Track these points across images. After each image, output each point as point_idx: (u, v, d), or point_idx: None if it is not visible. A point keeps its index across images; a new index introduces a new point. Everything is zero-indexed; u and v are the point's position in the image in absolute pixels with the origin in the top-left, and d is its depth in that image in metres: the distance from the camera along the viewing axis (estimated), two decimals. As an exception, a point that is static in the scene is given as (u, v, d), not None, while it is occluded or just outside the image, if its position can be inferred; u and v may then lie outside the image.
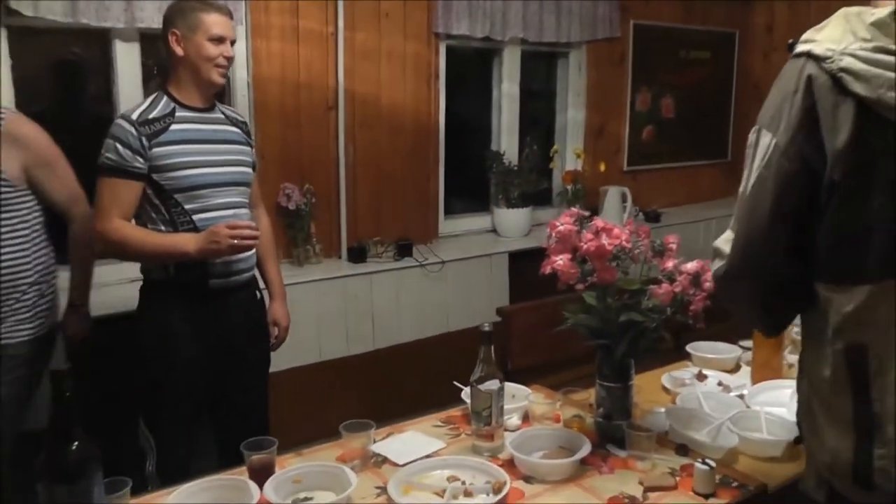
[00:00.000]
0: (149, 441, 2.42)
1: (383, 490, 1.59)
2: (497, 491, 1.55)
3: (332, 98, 3.46)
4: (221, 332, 2.24)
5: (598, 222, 1.67)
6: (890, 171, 1.15)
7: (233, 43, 2.22)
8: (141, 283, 2.29)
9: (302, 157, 3.41)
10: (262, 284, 2.48)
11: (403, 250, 3.61)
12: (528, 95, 4.39)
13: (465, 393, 2.00)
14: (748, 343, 2.45)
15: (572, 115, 4.59)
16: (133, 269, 2.97)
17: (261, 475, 1.57)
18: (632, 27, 4.65)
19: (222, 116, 2.32)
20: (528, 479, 1.64)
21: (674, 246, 1.75)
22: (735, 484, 1.61)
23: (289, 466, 1.64)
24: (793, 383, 1.85)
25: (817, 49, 1.19)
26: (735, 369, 2.33)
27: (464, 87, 4.18)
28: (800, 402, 1.36)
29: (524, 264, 3.98)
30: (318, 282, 3.29)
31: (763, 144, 1.24)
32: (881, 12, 1.17)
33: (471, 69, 4.26)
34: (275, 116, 3.27)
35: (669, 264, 1.72)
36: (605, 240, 1.62)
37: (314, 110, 3.43)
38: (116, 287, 2.99)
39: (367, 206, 3.65)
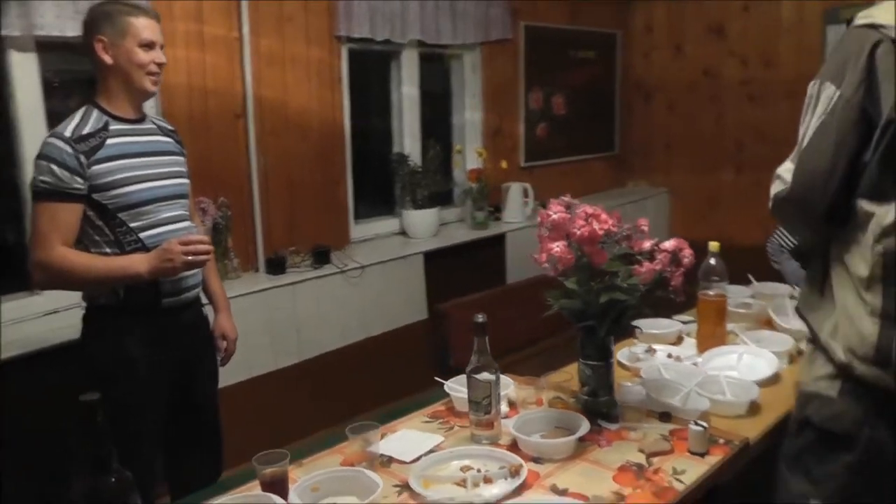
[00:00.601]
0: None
1: (402, 488, 1.58)
2: (515, 474, 1.58)
3: (241, 106, 3.37)
4: (174, 351, 2.16)
5: (587, 209, 1.74)
6: None
7: (162, 47, 2.11)
8: (83, 310, 2.15)
9: (213, 169, 3.29)
10: (204, 300, 2.39)
11: (321, 258, 3.57)
12: (426, 97, 4.45)
13: (449, 386, 2.04)
14: (683, 317, 2.63)
15: (470, 116, 4.70)
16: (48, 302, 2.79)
17: (274, 489, 1.52)
18: (522, 29, 4.81)
19: (154, 127, 2.21)
20: (536, 461, 1.68)
21: (645, 228, 1.85)
22: (722, 441, 1.73)
23: (295, 477, 1.60)
24: (737, 348, 2.19)
25: (881, 20, 1.50)
26: (678, 342, 2.48)
27: (364, 90, 4.18)
28: (829, 302, 1.62)
29: (437, 264, 4.04)
30: (240, 297, 3.17)
31: (826, 95, 1.54)
32: None
33: (369, 73, 4.27)
34: (184, 126, 3.11)
35: (646, 244, 1.81)
36: (595, 225, 1.69)
37: (223, 119, 3.33)
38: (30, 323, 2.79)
39: (280, 216, 3.58)
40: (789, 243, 3.20)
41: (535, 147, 5.10)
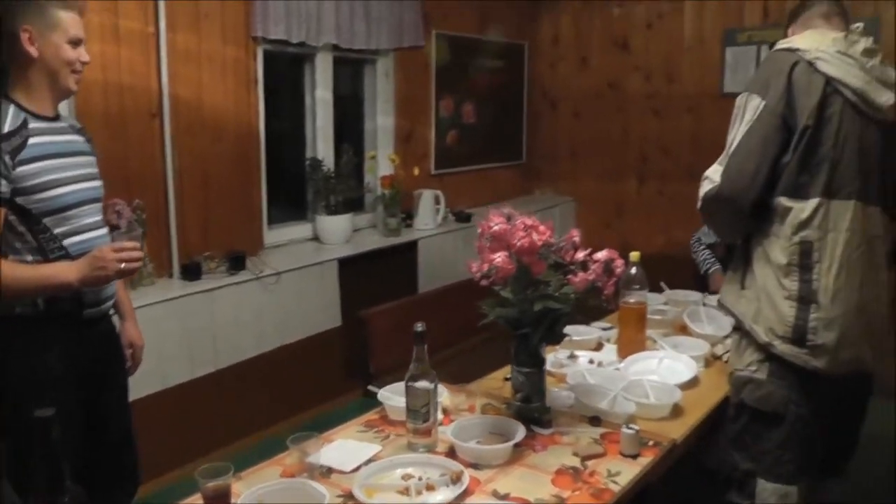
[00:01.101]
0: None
1: (346, 498, 1.58)
2: (456, 480, 1.60)
3: (156, 104, 3.26)
4: (90, 363, 2.05)
5: (525, 220, 1.79)
6: (836, 126, 1.78)
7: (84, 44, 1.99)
8: None
9: (129, 170, 3.17)
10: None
11: (236, 263, 3.49)
12: (339, 102, 4.42)
13: (383, 395, 2.04)
14: (602, 324, 2.72)
15: (382, 122, 4.69)
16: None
17: (217, 503, 1.49)
18: (434, 36, 4.85)
19: (67, 126, 2.07)
20: (475, 467, 1.71)
21: (577, 239, 1.92)
22: (651, 443, 1.81)
23: (237, 490, 1.57)
24: (657, 353, 2.36)
25: (799, 45, 1.83)
26: (598, 348, 2.57)
27: (278, 93, 4.11)
28: (750, 290, 1.88)
29: (351, 270, 4.02)
30: (156, 304, 3.07)
31: (753, 105, 1.80)
32: (835, 34, 1.85)
33: (283, 75, 4.20)
34: (100, 125, 2.99)
35: (579, 255, 1.87)
36: (535, 236, 1.73)
37: (138, 117, 3.20)
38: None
39: (195, 220, 3.48)
40: (705, 240, 3.63)
41: (445, 154, 5.14)
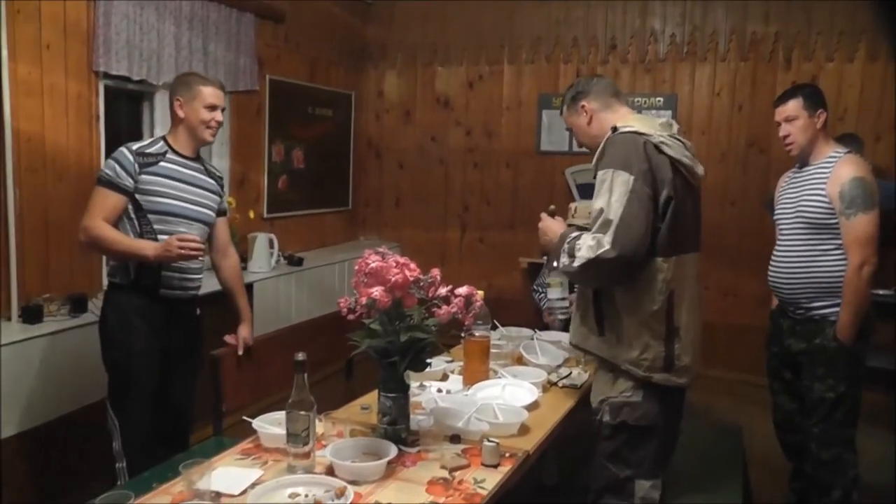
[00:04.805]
0: (114, 422, 2.68)
1: (238, 519, 1.67)
2: (340, 495, 1.75)
3: (-2, 139, 3.11)
4: (166, 333, 2.72)
5: (397, 258, 1.99)
6: (681, 196, 2.14)
7: (223, 110, 2.77)
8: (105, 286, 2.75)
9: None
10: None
11: (78, 306, 3.35)
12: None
13: (257, 424, 2.13)
14: (445, 357, 2.96)
15: (217, 164, 4.68)
16: None
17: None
18: (268, 81, 4.97)
19: (202, 168, 2.83)
20: (354, 483, 1.85)
21: (438, 277, 2.14)
22: (508, 454, 2.06)
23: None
24: (499, 381, 2.67)
25: (640, 129, 2.15)
26: (444, 378, 2.80)
27: (117, 130, 4.02)
28: (611, 335, 2.21)
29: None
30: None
31: (622, 180, 2.06)
32: (661, 120, 2.24)
33: (121, 112, 4.13)
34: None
35: (442, 290, 2.10)
36: (407, 272, 1.94)
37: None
38: None
39: (35, 260, 3.33)
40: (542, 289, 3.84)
41: (277, 198, 5.24)
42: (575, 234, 2.18)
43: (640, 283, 2.12)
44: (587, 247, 2.07)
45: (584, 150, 2.47)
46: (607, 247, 2.02)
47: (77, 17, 3.48)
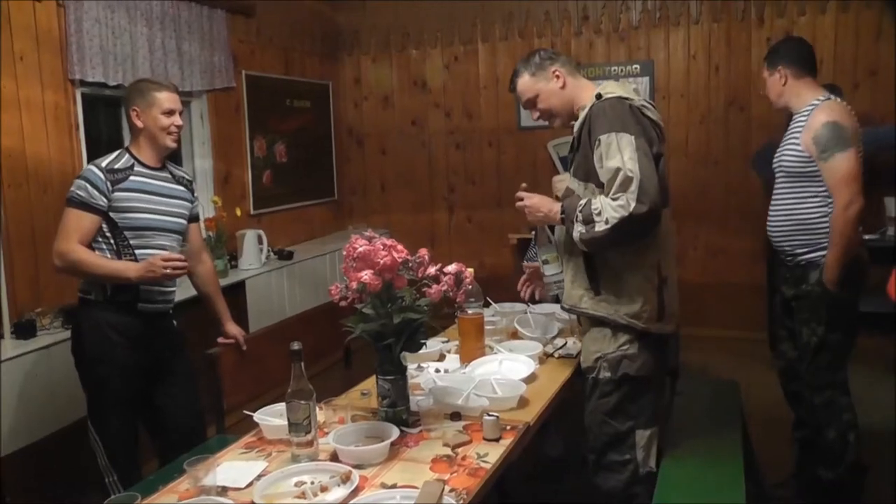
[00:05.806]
0: (96, 438, 2.64)
1: (247, 510, 1.69)
2: (346, 480, 1.77)
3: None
4: (145, 346, 2.66)
5: (384, 241, 2.00)
6: (662, 154, 2.25)
7: (181, 113, 2.70)
8: (78, 302, 2.64)
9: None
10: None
11: (71, 317, 3.35)
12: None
13: (258, 417, 2.15)
14: (441, 338, 2.98)
15: (200, 164, 4.71)
16: None
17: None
18: (244, 77, 4.96)
19: (170, 175, 2.75)
20: (358, 467, 1.88)
21: (426, 257, 2.16)
22: (509, 427, 2.08)
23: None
24: (496, 357, 2.70)
25: (622, 94, 2.24)
26: (441, 358, 2.82)
27: (99, 137, 4.01)
28: (609, 294, 2.28)
29: (181, 313, 3.98)
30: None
31: (627, 141, 2.12)
32: (634, 86, 2.39)
33: (101, 119, 4.11)
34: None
35: (431, 270, 2.12)
36: (395, 254, 1.95)
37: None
38: None
39: (25, 275, 3.34)
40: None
41: (262, 194, 5.24)
42: (583, 201, 2.19)
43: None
44: (614, 207, 2.09)
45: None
46: (637, 203, 2.07)
47: (48, 24, 3.47)
